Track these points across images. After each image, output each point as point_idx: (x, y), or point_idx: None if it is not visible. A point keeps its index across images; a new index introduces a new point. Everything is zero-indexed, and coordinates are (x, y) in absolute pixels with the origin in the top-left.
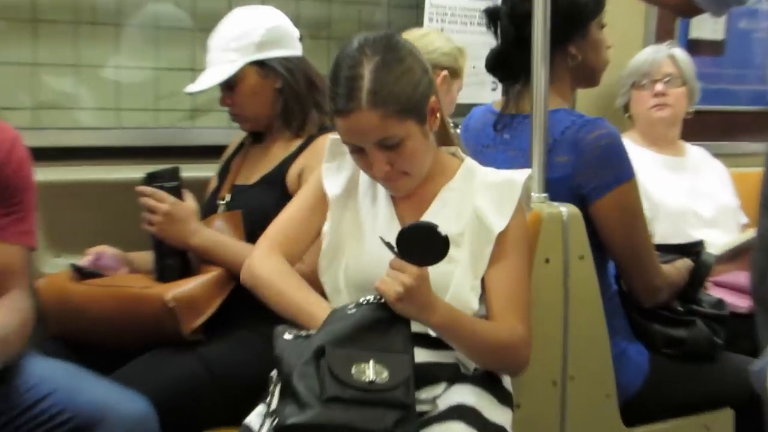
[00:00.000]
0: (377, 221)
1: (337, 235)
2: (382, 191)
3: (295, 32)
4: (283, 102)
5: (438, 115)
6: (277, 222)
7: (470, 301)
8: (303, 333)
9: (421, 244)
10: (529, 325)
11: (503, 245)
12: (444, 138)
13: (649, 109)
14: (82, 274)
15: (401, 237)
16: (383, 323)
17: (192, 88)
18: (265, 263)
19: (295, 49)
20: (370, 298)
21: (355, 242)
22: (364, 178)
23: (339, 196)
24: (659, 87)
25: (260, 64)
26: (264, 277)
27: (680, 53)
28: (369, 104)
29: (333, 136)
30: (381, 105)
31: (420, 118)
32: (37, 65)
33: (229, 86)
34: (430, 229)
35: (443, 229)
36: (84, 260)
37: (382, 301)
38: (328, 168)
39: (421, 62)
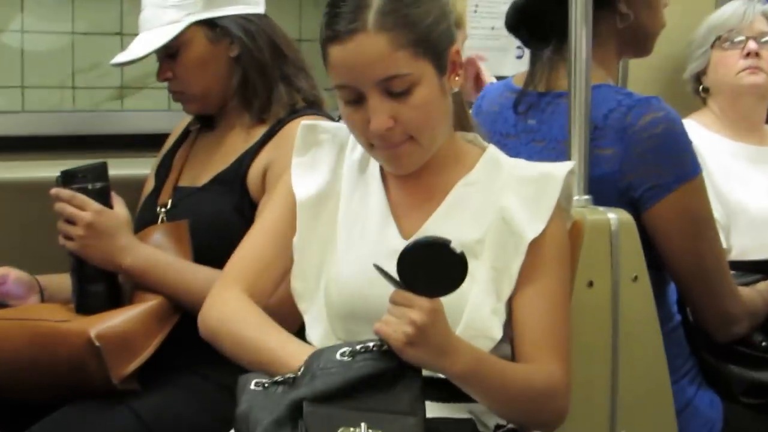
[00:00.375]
0: (367, 228)
1: (310, 248)
2: (374, 188)
3: None
4: (241, 74)
5: (461, 73)
6: (240, 250)
7: (491, 329)
8: (279, 378)
9: (431, 268)
10: (569, 366)
11: (537, 259)
12: (460, 120)
13: (737, 74)
14: None
15: (403, 260)
16: (385, 377)
17: (120, 58)
18: (220, 307)
19: (255, 5)
20: (370, 343)
21: (338, 257)
22: (349, 171)
23: (312, 197)
24: (752, 45)
25: (210, 25)
26: (219, 326)
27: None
28: (377, 25)
29: (306, 122)
30: (392, 28)
31: (439, 63)
32: None
33: (169, 55)
34: (442, 247)
35: (458, 245)
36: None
37: (385, 348)
38: (300, 163)
39: (443, 2)
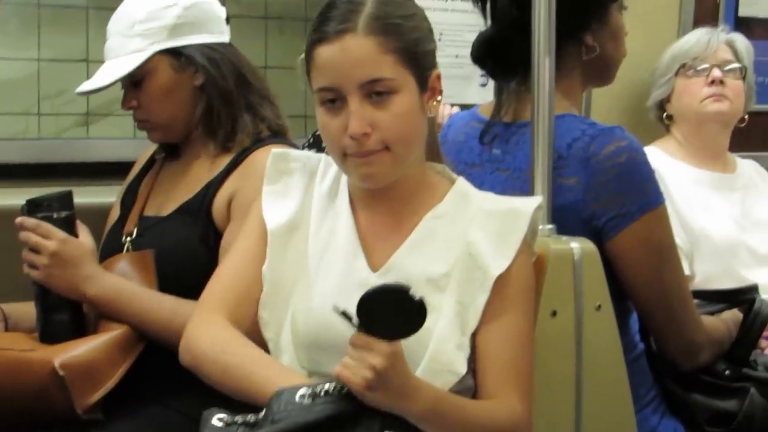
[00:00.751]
0: (336, 259)
1: (279, 278)
2: (343, 217)
3: (221, 11)
4: (206, 103)
5: (439, 100)
6: (216, 278)
7: (455, 363)
8: (238, 419)
9: (391, 312)
10: (530, 403)
11: (502, 294)
12: (431, 150)
13: (701, 101)
14: None
15: (363, 305)
16: (345, 419)
17: (86, 86)
18: (203, 334)
19: (220, 34)
20: (328, 386)
21: (304, 287)
22: (319, 201)
23: (282, 226)
24: (717, 73)
25: (175, 54)
26: (204, 354)
27: (741, 39)
28: (366, 28)
29: (277, 150)
30: (381, 33)
31: (421, 79)
32: None
33: (134, 83)
34: (400, 292)
35: (417, 291)
36: None
37: (345, 390)
38: (271, 191)
39: (430, 26)
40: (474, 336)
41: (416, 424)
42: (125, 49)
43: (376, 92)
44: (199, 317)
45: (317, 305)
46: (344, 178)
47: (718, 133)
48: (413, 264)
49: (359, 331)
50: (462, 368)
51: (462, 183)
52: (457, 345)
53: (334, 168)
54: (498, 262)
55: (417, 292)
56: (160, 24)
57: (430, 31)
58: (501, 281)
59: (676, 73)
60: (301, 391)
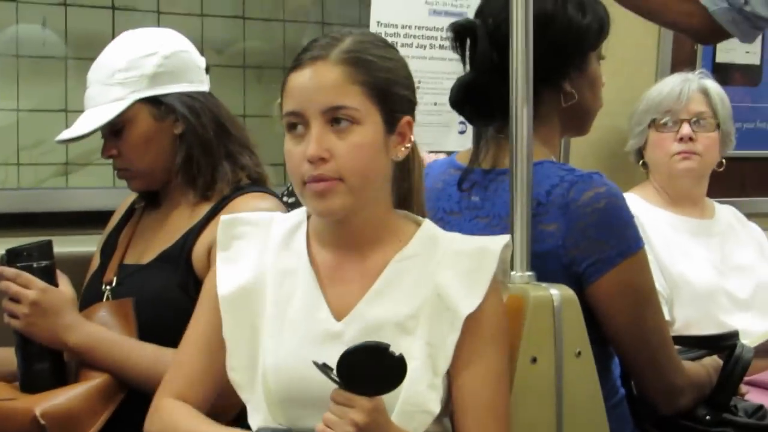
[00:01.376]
0: (298, 311)
1: (240, 339)
2: (302, 269)
3: (201, 61)
4: (185, 152)
5: (408, 147)
6: (174, 360)
7: (428, 403)
8: None
9: (371, 369)
10: None
11: (474, 334)
12: (404, 199)
13: (671, 157)
14: None
15: (343, 362)
16: None
17: (66, 134)
18: (156, 420)
19: (199, 83)
20: None
21: (270, 344)
22: (275, 256)
23: (237, 289)
24: (686, 130)
25: (155, 103)
26: None
27: (714, 87)
28: (338, 59)
29: (225, 217)
30: (351, 64)
31: (388, 119)
32: None
33: (114, 132)
34: (381, 351)
35: (397, 348)
36: None
37: None
38: (224, 258)
39: (409, 75)
40: (449, 378)
41: None
42: (105, 98)
43: (337, 119)
44: (154, 404)
45: (285, 361)
46: (302, 229)
47: (692, 186)
48: (380, 310)
49: (340, 387)
50: (435, 408)
51: (429, 225)
52: (429, 385)
53: (290, 222)
54: (467, 301)
55: (396, 349)
56: (140, 73)
57: (408, 79)
58: (472, 321)
59: (649, 125)
60: None
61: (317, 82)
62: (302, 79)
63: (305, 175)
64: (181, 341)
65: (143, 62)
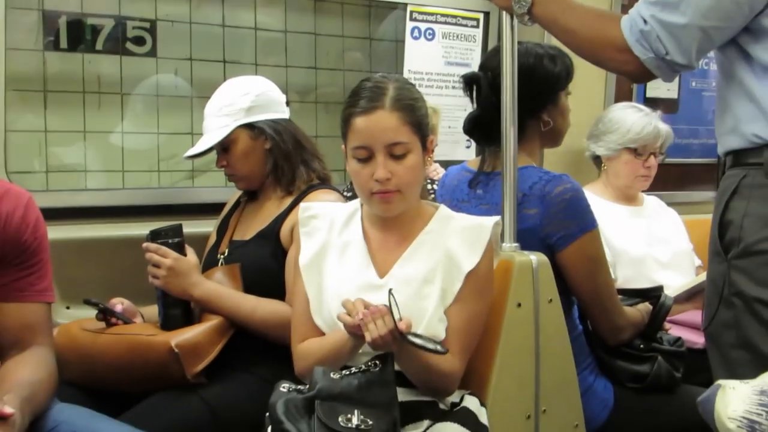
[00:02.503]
0: (353, 271)
1: (318, 292)
2: (357, 241)
3: (282, 97)
4: (273, 161)
5: (432, 157)
6: (293, 319)
7: (439, 331)
8: (296, 387)
9: None
10: (465, 361)
11: (470, 285)
12: (421, 190)
13: (635, 177)
14: (107, 315)
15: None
16: (366, 384)
17: (190, 152)
18: (299, 362)
19: (282, 113)
20: (353, 368)
21: (333, 292)
22: (338, 234)
23: (312, 257)
24: (652, 161)
25: (250, 127)
26: (308, 366)
27: (667, 128)
28: (391, 106)
29: (303, 205)
30: (400, 110)
31: (423, 143)
32: (48, 132)
33: (223, 149)
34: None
35: (421, 293)
36: (117, 306)
37: (363, 368)
38: (304, 232)
39: (427, 106)
40: (446, 312)
41: (396, 358)
42: (216, 125)
43: (395, 153)
44: (293, 355)
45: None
46: (357, 214)
47: (637, 192)
48: (409, 270)
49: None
50: (442, 334)
51: (444, 209)
52: (439, 319)
53: (349, 209)
54: (469, 261)
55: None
56: (239, 107)
57: (426, 108)
58: (470, 274)
59: (626, 149)
60: (332, 372)
61: (380, 126)
62: (368, 122)
63: (373, 189)
64: (292, 303)
65: (241, 99)
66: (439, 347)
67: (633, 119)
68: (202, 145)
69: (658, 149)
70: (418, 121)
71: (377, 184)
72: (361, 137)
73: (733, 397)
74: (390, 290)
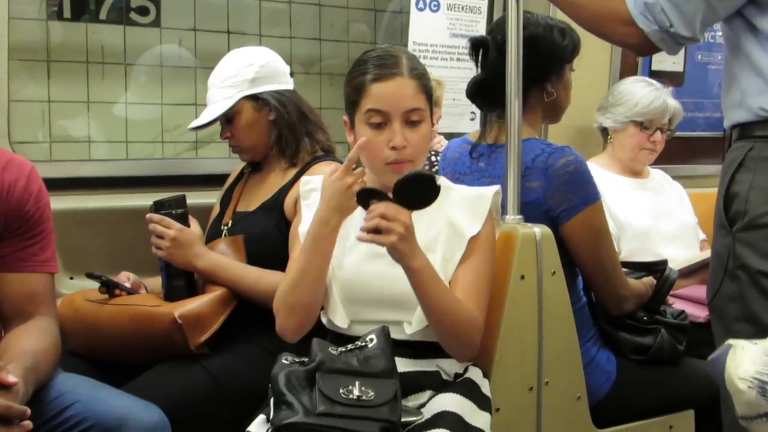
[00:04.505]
0: (353, 237)
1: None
2: (360, 211)
3: (286, 68)
4: (277, 132)
5: (435, 127)
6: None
7: None
8: (298, 359)
9: (415, 191)
10: (483, 316)
11: (473, 248)
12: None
13: (640, 150)
14: (110, 286)
15: (399, 184)
16: (367, 359)
17: (194, 123)
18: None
19: (286, 84)
20: (350, 345)
21: (341, 261)
22: None
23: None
24: (658, 136)
25: (254, 98)
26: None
27: (676, 104)
28: (410, 73)
29: (304, 178)
30: (417, 78)
31: (431, 114)
32: (52, 102)
33: (227, 120)
34: (426, 178)
35: (439, 180)
36: (121, 278)
37: (360, 344)
38: (305, 204)
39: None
40: (452, 277)
41: (413, 276)
42: (220, 97)
43: (412, 119)
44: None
45: (349, 274)
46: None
47: (643, 166)
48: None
49: (392, 202)
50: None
51: (443, 180)
52: (439, 271)
53: None
54: (470, 228)
55: (439, 180)
56: (243, 78)
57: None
58: (472, 241)
59: (633, 122)
60: (331, 347)
61: (400, 92)
62: (387, 88)
63: (388, 158)
64: (288, 267)
65: (245, 70)
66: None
67: (642, 93)
68: (206, 117)
69: (665, 125)
70: (430, 92)
71: (393, 153)
72: (378, 102)
73: (744, 358)
74: (356, 194)
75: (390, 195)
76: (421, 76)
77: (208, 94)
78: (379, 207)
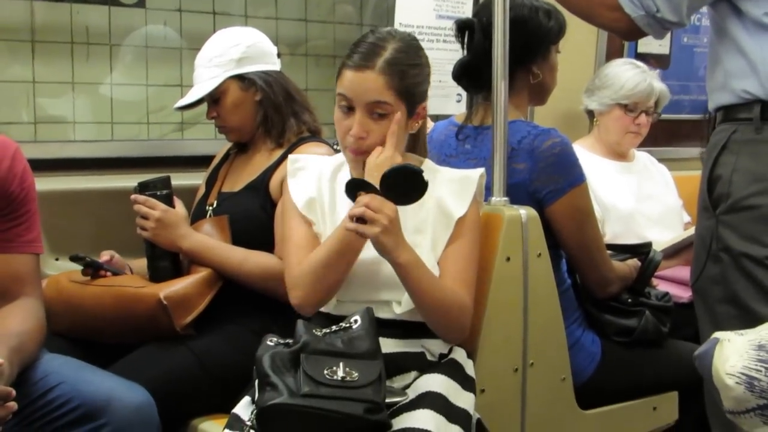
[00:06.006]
0: (341, 219)
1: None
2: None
3: (273, 49)
4: (263, 112)
5: (420, 122)
6: (288, 265)
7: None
8: (282, 341)
9: (402, 185)
10: (472, 298)
11: (460, 229)
12: (416, 148)
13: (625, 133)
14: (94, 268)
15: (387, 177)
16: (350, 340)
17: (180, 102)
18: (299, 282)
19: (273, 65)
20: (334, 327)
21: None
22: (324, 183)
23: (306, 201)
24: (643, 119)
25: (241, 78)
26: (308, 282)
27: (662, 87)
28: (381, 70)
29: (291, 157)
30: (389, 75)
31: (410, 109)
32: (36, 83)
33: (213, 100)
34: (414, 173)
35: (427, 177)
36: (103, 259)
37: (345, 325)
38: (293, 183)
39: (428, 71)
40: (439, 258)
41: (400, 271)
42: (206, 76)
43: (376, 111)
44: (288, 280)
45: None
46: (345, 167)
47: (628, 149)
48: (401, 218)
49: (378, 194)
50: (434, 271)
51: (429, 163)
52: (432, 266)
53: (337, 160)
54: (458, 210)
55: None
56: (229, 57)
57: (428, 75)
58: (459, 222)
59: (618, 104)
60: (315, 329)
61: (364, 85)
62: (354, 78)
63: (348, 143)
64: (285, 249)
65: (231, 50)
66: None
67: (628, 75)
68: (191, 96)
69: (651, 108)
70: (409, 89)
71: (351, 140)
72: (345, 88)
73: (731, 352)
74: (346, 185)
75: (378, 187)
76: (396, 72)
77: (194, 73)
78: (365, 198)
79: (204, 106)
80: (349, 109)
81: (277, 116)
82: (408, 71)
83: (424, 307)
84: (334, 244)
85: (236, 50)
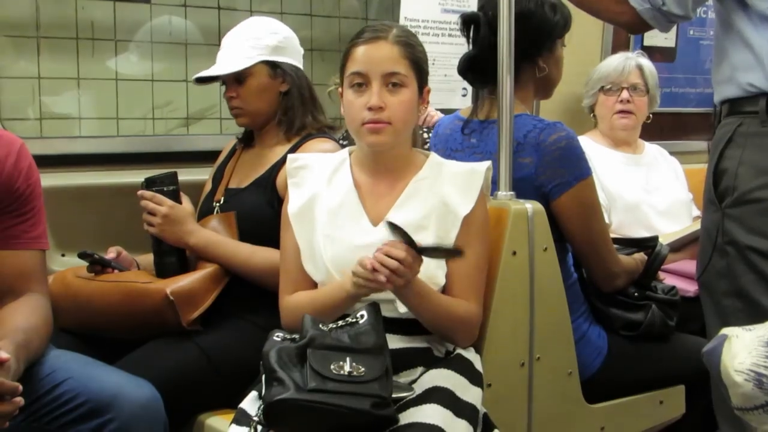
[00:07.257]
0: (345, 219)
1: (309, 241)
2: (348, 189)
3: (301, 49)
4: (286, 104)
5: (425, 107)
6: (282, 271)
7: (437, 277)
8: (289, 336)
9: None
10: (481, 305)
11: (468, 229)
12: (415, 141)
13: (613, 114)
14: (102, 265)
15: (427, 253)
16: (357, 335)
17: (202, 73)
18: (290, 311)
19: (299, 62)
20: (341, 321)
21: (328, 242)
22: (327, 182)
23: (302, 207)
24: (624, 95)
25: (272, 66)
26: (295, 319)
27: (647, 63)
28: (394, 40)
29: (290, 156)
30: (403, 46)
31: (420, 85)
32: (42, 79)
33: (237, 80)
34: (454, 253)
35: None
36: (109, 255)
37: (351, 320)
38: (293, 183)
39: (427, 59)
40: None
41: (410, 305)
42: (239, 55)
43: (392, 83)
44: (280, 308)
45: (339, 253)
46: (346, 162)
47: (628, 135)
48: (403, 216)
49: (413, 247)
50: (441, 281)
51: (435, 156)
52: (437, 265)
53: (337, 158)
54: (464, 206)
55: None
56: (266, 42)
57: (428, 62)
58: (466, 219)
59: (600, 90)
60: (321, 324)
61: (379, 55)
62: (368, 50)
63: (365, 118)
64: (281, 254)
65: (270, 37)
66: (452, 248)
67: (607, 62)
68: (219, 69)
69: (636, 84)
70: (418, 62)
71: (369, 113)
72: (359, 63)
73: (739, 348)
74: (388, 222)
75: (412, 238)
76: (407, 44)
77: (220, 53)
78: (400, 252)
79: (211, 100)
80: (362, 86)
81: (301, 109)
82: (416, 47)
83: (433, 327)
84: (339, 295)
85: (274, 38)
